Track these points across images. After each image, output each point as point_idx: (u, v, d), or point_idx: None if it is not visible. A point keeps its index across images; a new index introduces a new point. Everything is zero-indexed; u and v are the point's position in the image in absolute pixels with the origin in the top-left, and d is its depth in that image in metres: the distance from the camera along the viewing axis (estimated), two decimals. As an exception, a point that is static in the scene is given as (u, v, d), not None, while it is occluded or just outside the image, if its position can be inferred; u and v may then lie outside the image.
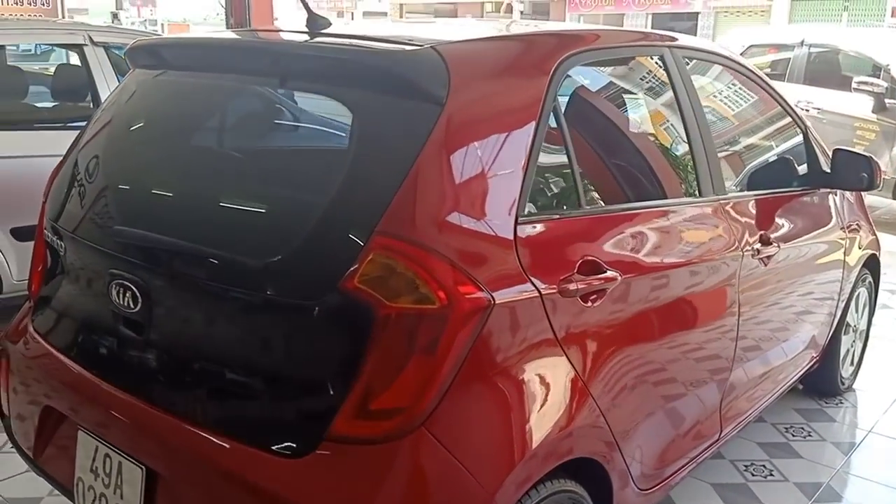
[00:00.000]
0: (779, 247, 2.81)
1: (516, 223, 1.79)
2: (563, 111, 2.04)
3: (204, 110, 2.17)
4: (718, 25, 26.37)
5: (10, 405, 2.32)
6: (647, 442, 2.24)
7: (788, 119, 3.25)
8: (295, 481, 1.65)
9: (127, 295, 1.91)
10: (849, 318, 3.70)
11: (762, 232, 2.75)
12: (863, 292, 3.83)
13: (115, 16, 22.41)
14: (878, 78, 7.68)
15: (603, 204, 2.20)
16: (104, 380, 2.01)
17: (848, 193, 3.57)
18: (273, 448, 1.68)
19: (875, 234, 3.82)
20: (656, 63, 2.51)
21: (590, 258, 1.96)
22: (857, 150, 3.30)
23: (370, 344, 1.61)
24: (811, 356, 3.42)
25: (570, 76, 2.10)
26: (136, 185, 2.15)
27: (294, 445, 1.67)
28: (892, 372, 4.21)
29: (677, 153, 2.59)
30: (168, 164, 2.13)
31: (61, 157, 2.34)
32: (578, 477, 1.99)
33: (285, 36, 2.28)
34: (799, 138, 3.28)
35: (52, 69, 5.03)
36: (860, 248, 3.61)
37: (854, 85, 7.70)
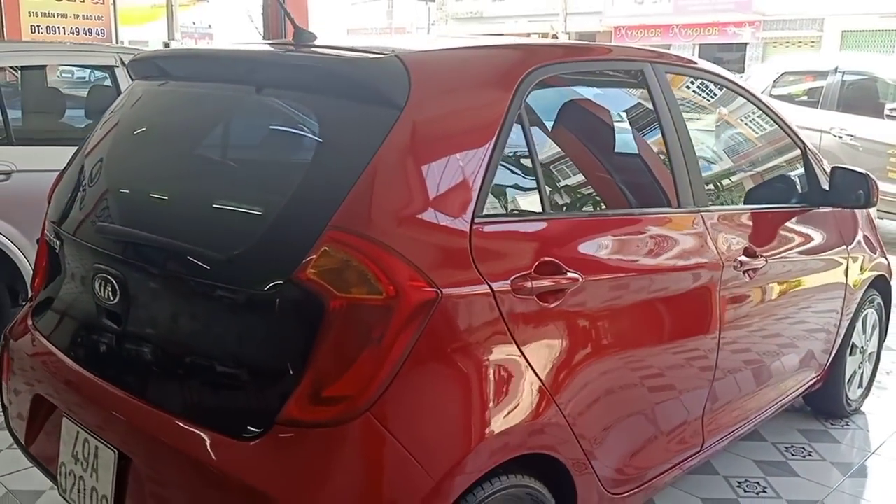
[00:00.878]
0: (765, 260, 2.82)
1: (472, 222, 1.87)
2: (531, 119, 2.12)
3: (180, 116, 2.30)
4: (767, 55, 26.17)
5: (7, 396, 2.46)
6: (615, 444, 2.27)
7: (786, 137, 3.26)
8: (250, 462, 1.73)
9: (108, 288, 2.04)
10: (855, 339, 3.66)
11: (748, 245, 2.76)
12: (871, 313, 3.79)
13: (166, 45, 23.11)
14: None
15: (568, 210, 2.27)
16: (88, 370, 2.13)
17: (857, 214, 3.56)
18: (230, 431, 1.77)
19: (886, 257, 3.78)
20: (634, 77, 2.56)
21: (549, 259, 2.02)
22: (857, 167, 3.29)
23: (322, 333, 1.70)
24: (811, 376, 3.40)
25: (539, 86, 2.17)
26: (117, 186, 2.30)
27: (250, 428, 1.75)
28: (906, 396, 4.14)
29: (652, 164, 2.64)
30: (146, 166, 2.27)
31: None
32: (541, 475, 2.04)
33: (267, 48, 2.41)
34: (797, 155, 3.29)
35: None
36: (865, 269, 3.58)
37: (887, 112, 7.62)
